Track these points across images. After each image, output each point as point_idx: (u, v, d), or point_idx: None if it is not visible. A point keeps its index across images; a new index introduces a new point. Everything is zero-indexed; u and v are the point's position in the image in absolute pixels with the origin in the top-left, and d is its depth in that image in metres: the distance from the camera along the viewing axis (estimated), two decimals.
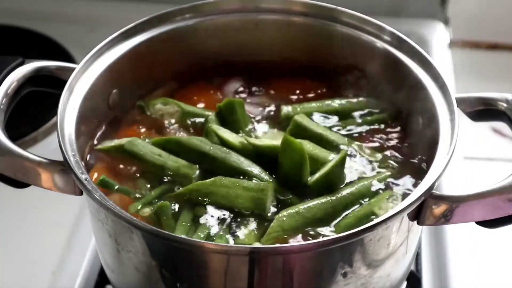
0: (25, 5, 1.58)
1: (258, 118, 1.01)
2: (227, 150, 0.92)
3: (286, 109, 1.00)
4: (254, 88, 1.06)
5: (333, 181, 0.89)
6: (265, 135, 0.98)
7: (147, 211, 0.87)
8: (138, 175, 0.92)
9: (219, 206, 0.87)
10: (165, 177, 0.91)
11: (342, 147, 0.94)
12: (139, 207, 0.87)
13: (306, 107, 1.01)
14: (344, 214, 0.86)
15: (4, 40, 1.48)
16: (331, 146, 0.95)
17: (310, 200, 0.87)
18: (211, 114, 0.98)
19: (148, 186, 0.91)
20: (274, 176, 0.90)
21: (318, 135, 0.96)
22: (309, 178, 0.89)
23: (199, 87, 1.05)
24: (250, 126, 0.98)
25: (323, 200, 0.87)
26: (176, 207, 0.87)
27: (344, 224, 0.85)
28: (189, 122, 0.99)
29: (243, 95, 1.05)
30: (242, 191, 0.86)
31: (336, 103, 1.01)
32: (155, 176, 0.91)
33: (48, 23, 1.51)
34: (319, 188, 0.88)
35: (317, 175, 0.89)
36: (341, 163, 0.89)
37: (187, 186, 0.88)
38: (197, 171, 0.91)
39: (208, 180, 0.87)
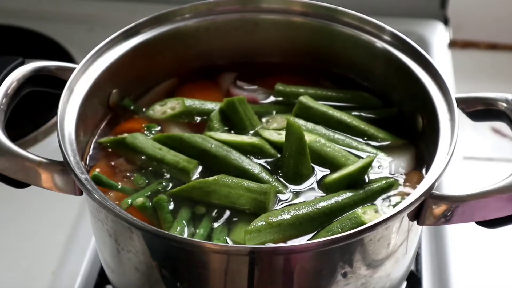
0: (25, 5, 1.58)
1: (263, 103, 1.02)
2: (229, 148, 0.92)
3: (280, 85, 1.02)
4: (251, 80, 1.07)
5: (353, 185, 0.88)
6: (273, 121, 0.98)
7: (140, 200, 0.87)
8: (136, 173, 0.92)
9: (219, 205, 0.87)
10: (164, 173, 0.91)
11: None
12: (129, 202, 0.87)
13: (300, 88, 1.01)
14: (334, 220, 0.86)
15: (4, 40, 1.48)
16: (339, 127, 0.96)
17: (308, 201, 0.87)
18: (213, 109, 0.98)
19: (146, 181, 0.91)
20: (275, 176, 0.90)
21: (323, 113, 0.97)
22: (327, 177, 0.89)
23: (199, 85, 1.05)
24: (256, 117, 0.98)
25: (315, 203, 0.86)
26: (176, 204, 0.87)
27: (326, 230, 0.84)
28: (190, 119, 0.99)
29: (242, 86, 1.05)
30: (245, 192, 0.86)
31: (333, 92, 1.02)
32: (154, 174, 0.91)
33: (48, 23, 1.51)
34: (336, 189, 0.88)
35: (335, 176, 0.89)
36: (365, 169, 0.89)
37: (187, 182, 0.88)
38: (197, 167, 0.91)
39: (210, 178, 0.87)
